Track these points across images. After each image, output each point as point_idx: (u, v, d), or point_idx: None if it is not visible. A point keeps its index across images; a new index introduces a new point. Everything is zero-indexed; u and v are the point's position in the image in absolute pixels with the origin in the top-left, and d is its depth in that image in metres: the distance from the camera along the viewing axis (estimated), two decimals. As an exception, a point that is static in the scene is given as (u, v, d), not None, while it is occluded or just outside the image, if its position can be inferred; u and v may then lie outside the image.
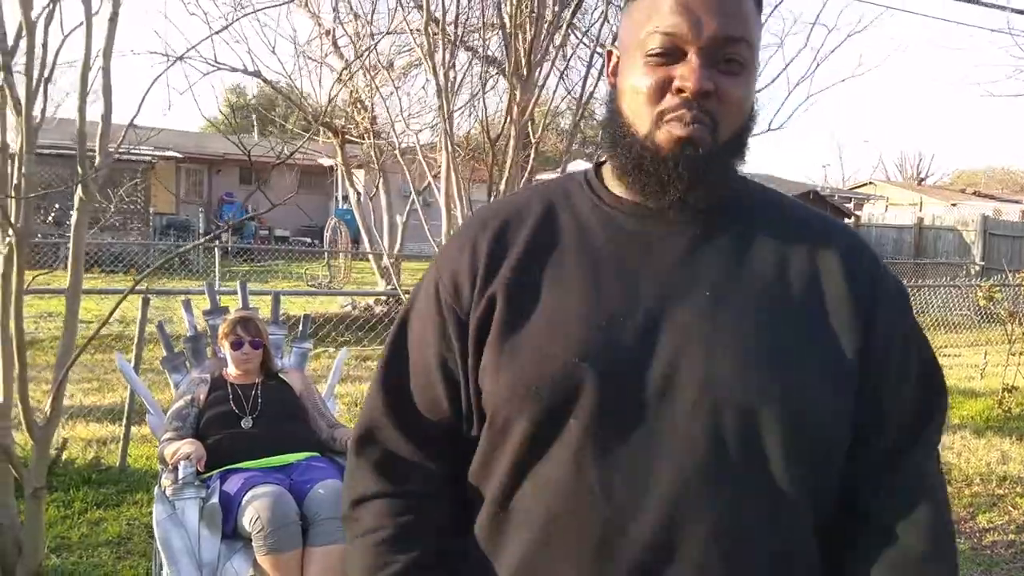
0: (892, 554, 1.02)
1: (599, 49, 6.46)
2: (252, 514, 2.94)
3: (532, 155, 4.96)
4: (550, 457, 1.01)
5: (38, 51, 3.17)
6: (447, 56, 4.65)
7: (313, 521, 2.99)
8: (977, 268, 16.31)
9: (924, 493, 1.05)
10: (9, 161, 3.24)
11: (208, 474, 3.17)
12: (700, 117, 1.00)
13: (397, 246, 10.48)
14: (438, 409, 1.12)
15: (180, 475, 3.03)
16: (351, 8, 9.65)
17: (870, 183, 42.99)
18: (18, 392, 3.31)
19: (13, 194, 3.17)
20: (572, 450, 0.99)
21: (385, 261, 10.23)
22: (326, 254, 16.92)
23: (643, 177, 1.04)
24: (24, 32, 3.03)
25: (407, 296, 1.24)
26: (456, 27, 5.77)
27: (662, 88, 1.01)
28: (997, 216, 29.14)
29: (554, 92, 7.31)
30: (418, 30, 5.41)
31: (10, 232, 3.19)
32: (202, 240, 4.88)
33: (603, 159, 1.15)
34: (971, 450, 6.23)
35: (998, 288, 7.98)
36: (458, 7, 5.39)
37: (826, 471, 1.03)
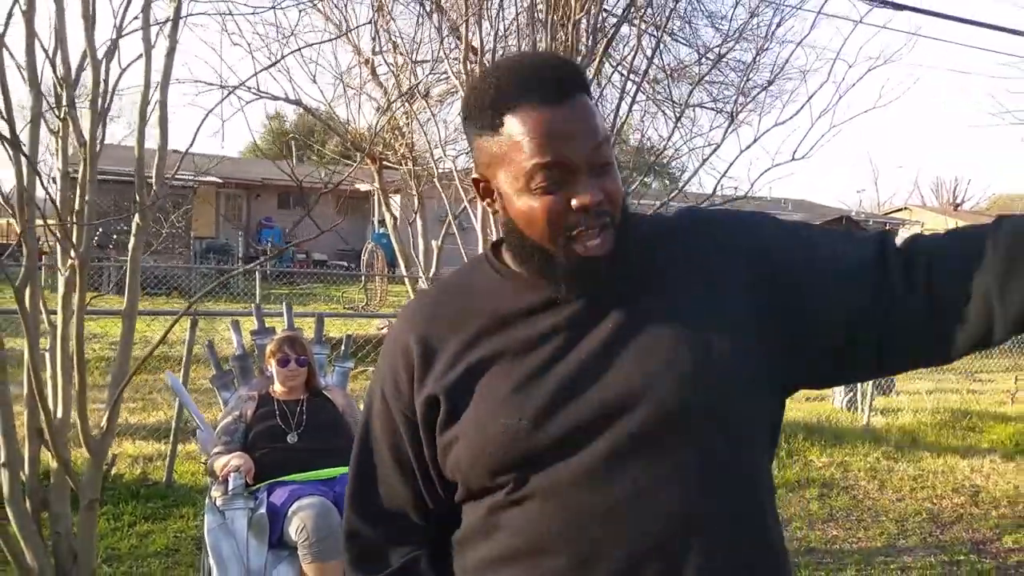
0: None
1: (633, 78, 6.61)
2: (298, 524, 3.08)
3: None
4: (525, 509, 1.11)
5: (101, 86, 3.38)
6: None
7: (355, 532, 3.13)
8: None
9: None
10: (66, 188, 3.44)
11: (256, 487, 3.32)
12: (604, 223, 1.10)
13: (432, 270, 10.65)
14: (398, 497, 1.24)
15: (230, 487, 3.19)
16: (391, 39, 9.85)
17: (905, 208, 42.70)
18: (77, 407, 3.49)
19: (75, 220, 3.36)
20: (545, 498, 1.10)
21: (421, 284, 10.41)
22: (363, 278, 17.17)
23: (568, 282, 1.13)
24: (88, 66, 3.24)
25: None
26: (494, 58, 5.92)
27: (562, 211, 1.09)
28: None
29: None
30: (456, 59, 5.56)
31: (72, 255, 3.38)
32: (251, 264, 5.08)
33: (499, 240, 1.26)
34: (1000, 473, 6.29)
35: None
36: (495, 40, 5.55)
37: (749, 440, 1.14)
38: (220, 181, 21.95)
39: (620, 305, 1.14)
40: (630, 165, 8.48)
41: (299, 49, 5.47)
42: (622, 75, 9.66)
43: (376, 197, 17.38)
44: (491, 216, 5.03)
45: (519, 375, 1.12)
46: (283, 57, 5.67)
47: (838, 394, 8.41)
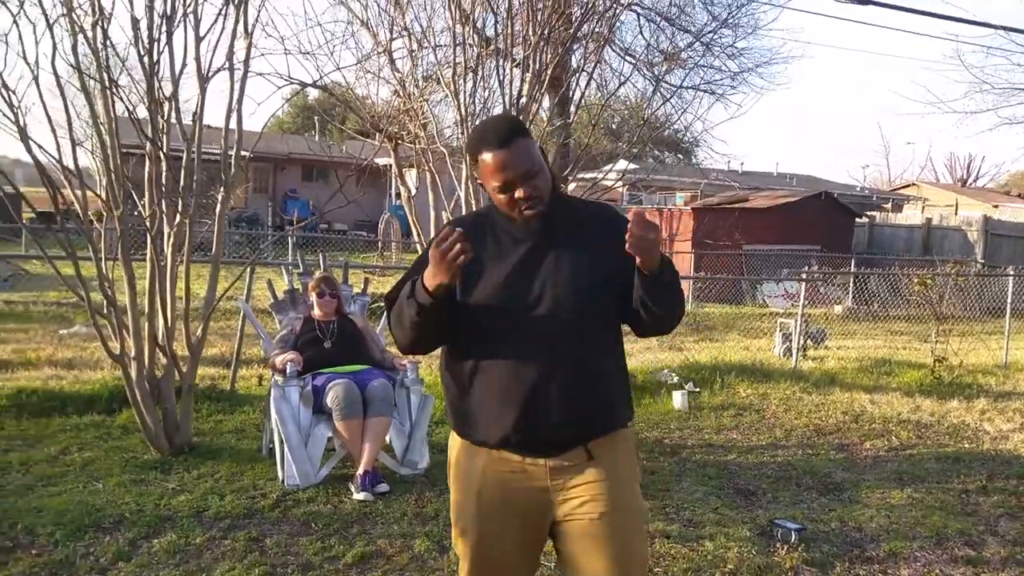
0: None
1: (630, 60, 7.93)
2: (332, 396, 4.67)
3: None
4: (505, 341, 2.11)
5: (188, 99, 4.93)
6: (467, 87, 6.30)
7: (369, 403, 4.71)
8: (978, 266, 17.50)
9: None
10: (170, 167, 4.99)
11: (304, 375, 4.90)
12: (535, 203, 2.09)
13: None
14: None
15: (288, 372, 4.77)
16: (404, 27, 11.06)
17: (913, 184, 43.73)
18: (183, 320, 5.08)
19: (183, 192, 4.93)
20: (505, 338, 2.11)
21: (431, 250, 11.89)
22: (379, 244, 18.75)
23: (520, 227, 2.13)
24: (198, 87, 4.80)
25: None
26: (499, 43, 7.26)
27: (511, 200, 2.08)
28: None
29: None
30: (470, 44, 6.89)
31: (181, 214, 4.95)
32: (282, 232, 6.61)
33: None
34: (891, 404, 7.65)
35: (930, 277, 9.39)
36: (498, 22, 6.86)
37: (604, 316, 2.21)
38: (250, 155, 23.45)
39: (556, 247, 2.15)
40: (644, 139, 9.72)
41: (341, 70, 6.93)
42: (623, 58, 11.06)
43: (392, 172, 18.88)
44: (473, 190, 6.56)
45: (505, 270, 2.12)
46: (333, 72, 7.11)
47: (777, 345, 9.88)
